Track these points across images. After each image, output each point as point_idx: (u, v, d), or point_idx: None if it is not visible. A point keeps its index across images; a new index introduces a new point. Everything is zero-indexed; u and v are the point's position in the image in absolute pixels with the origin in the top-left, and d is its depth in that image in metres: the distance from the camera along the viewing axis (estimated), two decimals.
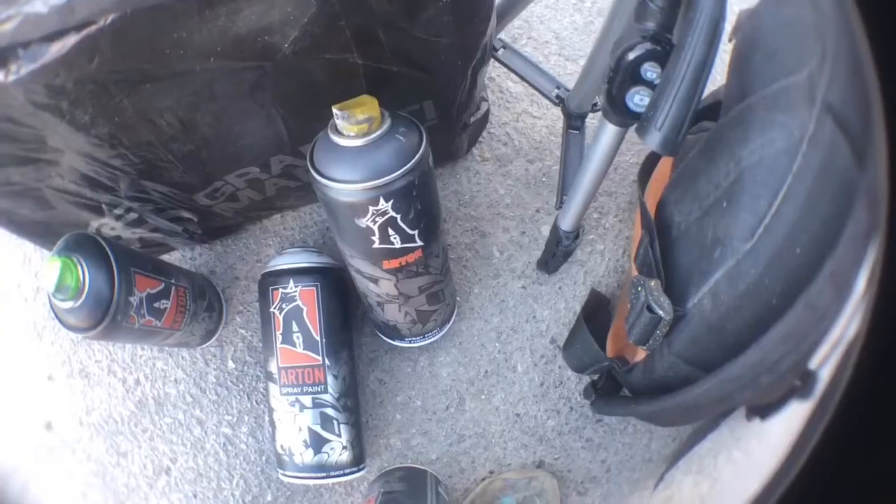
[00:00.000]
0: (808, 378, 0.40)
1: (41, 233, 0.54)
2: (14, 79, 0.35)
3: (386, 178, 0.42)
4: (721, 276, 0.37)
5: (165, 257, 0.65)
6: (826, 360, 0.37)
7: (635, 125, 0.37)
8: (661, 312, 0.38)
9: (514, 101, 0.69)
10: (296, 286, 0.56)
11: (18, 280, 0.70)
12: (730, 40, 0.45)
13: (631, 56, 0.36)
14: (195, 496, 0.67)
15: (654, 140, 0.34)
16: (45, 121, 0.39)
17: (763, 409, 0.49)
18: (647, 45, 0.36)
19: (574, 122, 0.59)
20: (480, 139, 0.67)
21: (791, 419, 0.45)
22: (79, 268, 0.46)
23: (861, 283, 0.29)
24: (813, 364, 0.39)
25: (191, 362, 0.67)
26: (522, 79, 0.61)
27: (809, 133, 0.34)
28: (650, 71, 0.36)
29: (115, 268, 0.47)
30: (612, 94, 0.38)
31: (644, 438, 0.67)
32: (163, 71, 0.37)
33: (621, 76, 0.37)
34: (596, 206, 0.66)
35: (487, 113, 0.63)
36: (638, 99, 0.38)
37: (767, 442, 0.65)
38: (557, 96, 0.60)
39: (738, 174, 0.38)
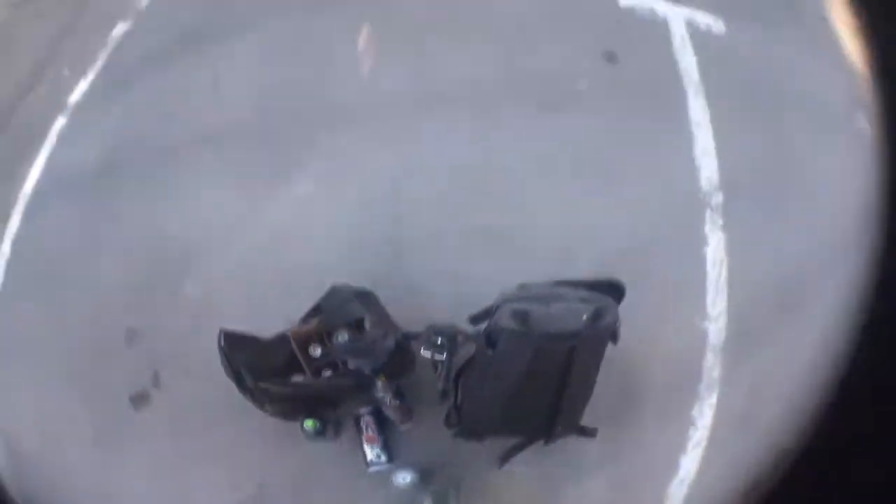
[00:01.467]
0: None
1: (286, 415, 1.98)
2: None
3: (391, 392, 1.89)
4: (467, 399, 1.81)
5: None
6: None
7: None
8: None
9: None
10: (367, 416, 1.99)
11: None
12: None
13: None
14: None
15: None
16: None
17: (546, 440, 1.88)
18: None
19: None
20: None
21: None
22: (316, 421, 1.89)
23: None
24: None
25: (332, 446, 2.07)
26: None
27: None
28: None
29: (326, 421, 1.91)
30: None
31: (488, 448, 1.94)
32: None
33: None
34: None
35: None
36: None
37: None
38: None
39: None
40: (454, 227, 2.16)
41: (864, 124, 1.70)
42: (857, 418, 1.23)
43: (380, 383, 1.84)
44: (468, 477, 1.94)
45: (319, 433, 1.91)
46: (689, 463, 1.87)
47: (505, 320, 1.66)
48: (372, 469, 1.94)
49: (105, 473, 2.05)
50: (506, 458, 1.95)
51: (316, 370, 1.91)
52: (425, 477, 1.92)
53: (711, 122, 2.19)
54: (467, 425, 1.84)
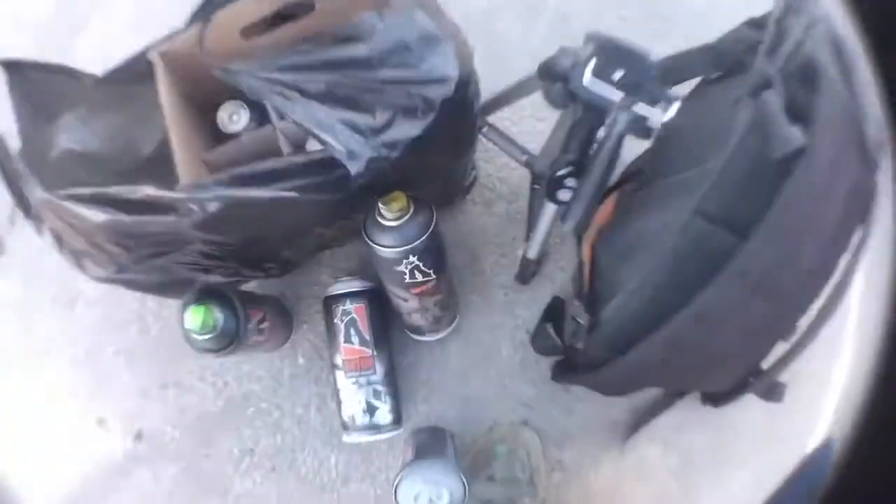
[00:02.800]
0: (760, 375, 0.63)
1: (160, 290, 0.79)
2: (187, 220, 0.59)
3: (413, 244, 0.68)
4: (619, 302, 0.62)
5: (249, 286, 0.91)
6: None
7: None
8: (581, 321, 0.64)
9: (497, 156, 0.93)
10: (351, 304, 0.82)
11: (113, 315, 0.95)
12: None
13: (558, 174, 0.61)
14: (273, 469, 0.91)
15: (568, 227, 0.60)
16: (193, 234, 0.63)
17: (715, 398, 0.73)
18: (569, 169, 0.61)
19: (537, 180, 0.84)
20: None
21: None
22: (213, 312, 0.71)
23: None
24: (765, 365, 0.62)
25: (269, 362, 0.92)
26: (500, 148, 0.85)
27: (683, 223, 0.57)
28: (569, 181, 0.62)
29: (238, 309, 0.72)
30: (548, 191, 0.64)
31: (602, 408, 0.90)
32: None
33: (553, 184, 0.62)
34: (558, 234, 0.92)
35: (476, 176, 0.88)
36: (562, 195, 0.63)
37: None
38: (526, 161, 0.84)
39: (637, 239, 0.63)
40: None
41: None
42: None
43: (391, 212, 0.68)
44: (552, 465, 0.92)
45: (224, 339, 0.74)
46: None
47: (824, 52, 0.49)
48: (351, 436, 0.86)
49: None
50: (639, 423, 0.90)
51: (221, 165, 0.72)
52: (472, 469, 0.87)
53: None
54: (615, 366, 0.62)
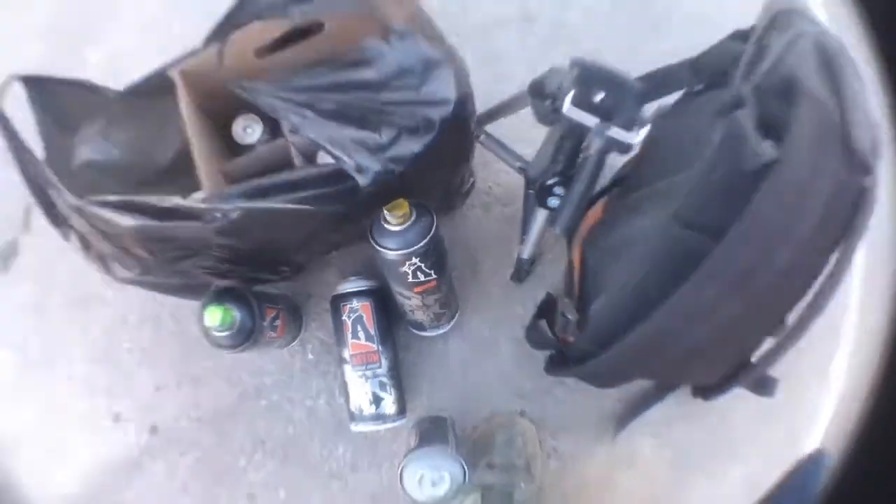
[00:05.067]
0: (748, 369, 0.69)
1: (180, 292, 0.84)
2: (210, 227, 0.65)
3: (415, 247, 0.73)
4: (604, 300, 0.67)
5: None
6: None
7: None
8: (570, 317, 0.69)
9: (494, 162, 0.98)
10: (358, 302, 0.88)
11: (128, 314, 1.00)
12: None
13: (547, 183, 0.67)
14: (285, 458, 0.97)
15: (557, 230, 0.65)
16: (215, 240, 0.69)
17: (705, 391, 0.77)
18: (556, 178, 0.66)
19: (531, 185, 0.89)
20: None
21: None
22: (232, 311, 0.77)
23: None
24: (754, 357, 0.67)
25: (280, 357, 0.98)
26: (496, 155, 0.91)
27: (662, 227, 0.63)
28: (558, 189, 0.67)
29: (254, 307, 0.78)
30: (538, 198, 0.69)
31: (595, 399, 0.96)
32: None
33: (543, 191, 0.68)
34: (551, 236, 0.97)
35: (473, 182, 0.93)
36: (552, 202, 0.68)
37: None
38: (520, 167, 0.90)
39: (622, 242, 0.68)
40: None
41: None
42: None
43: (395, 219, 0.74)
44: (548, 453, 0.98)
45: (240, 336, 0.80)
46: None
47: (809, 69, 0.54)
48: (359, 426, 0.91)
49: None
50: (629, 416, 0.96)
51: (238, 176, 0.78)
52: (472, 455, 0.91)
53: None
54: (603, 358, 0.67)
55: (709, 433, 0.97)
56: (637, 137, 0.62)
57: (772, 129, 0.53)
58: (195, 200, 0.63)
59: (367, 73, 0.56)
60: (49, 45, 1.12)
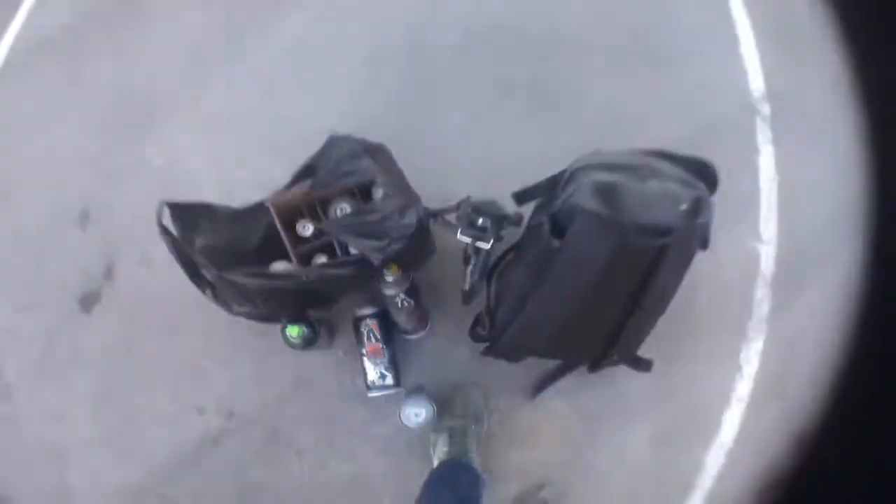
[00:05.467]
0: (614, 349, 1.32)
1: (269, 319, 1.46)
2: (299, 282, 1.28)
3: (402, 289, 1.37)
4: (503, 308, 1.31)
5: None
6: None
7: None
8: (488, 320, 1.33)
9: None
10: (370, 320, 1.50)
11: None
12: None
13: (469, 255, 1.31)
14: (323, 419, 1.60)
15: (467, 287, 1.29)
16: (299, 289, 1.32)
17: (591, 366, 1.41)
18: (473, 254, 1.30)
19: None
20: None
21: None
22: (303, 328, 1.39)
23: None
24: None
25: (323, 355, 1.60)
26: (445, 231, 1.54)
27: (519, 273, 1.28)
28: (473, 258, 1.31)
29: (314, 325, 1.41)
30: (464, 260, 1.33)
31: (522, 374, 1.51)
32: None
33: (466, 259, 1.32)
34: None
35: (434, 248, 1.56)
36: (471, 261, 1.32)
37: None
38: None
39: (508, 277, 1.32)
40: (487, 75, 1.68)
41: None
42: None
43: (390, 276, 1.34)
44: (492, 409, 1.56)
45: (308, 342, 1.43)
46: (731, 420, 1.54)
47: (585, 198, 1.13)
48: (372, 393, 1.50)
49: (48, 390, 1.68)
50: (540, 386, 1.54)
51: (304, 255, 1.39)
52: (441, 408, 1.48)
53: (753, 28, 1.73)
54: (502, 341, 1.36)
55: (610, 399, 1.53)
56: (487, 245, 1.25)
57: (562, 231, 1.17)
58: (290, 268, 1.26)
59: (373, 216, 1.21)
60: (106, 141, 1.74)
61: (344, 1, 1.81)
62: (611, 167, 1.17)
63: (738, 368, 1.56)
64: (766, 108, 1.69)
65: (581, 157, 1.21)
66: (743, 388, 1.55)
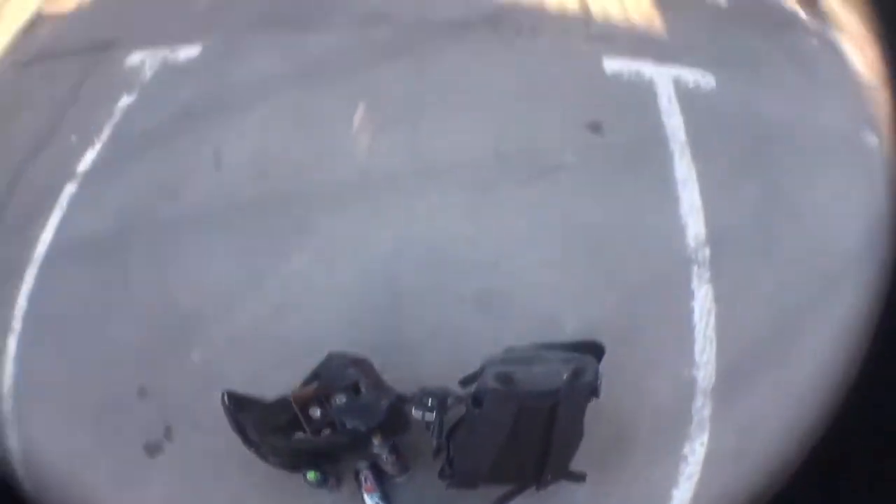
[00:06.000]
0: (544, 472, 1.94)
1: (294, 468, 2.10)
2: (318, 444, 1.97)
3: (386, 447, 2.03)
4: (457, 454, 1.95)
5: None
6: None
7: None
8: (448, 468, 1.98)
9: None
10: (366, 469, 2.13)
11: None
12: None
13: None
14: None
15: (434, 443, 1.96)
16: (317, 449, 2.00)
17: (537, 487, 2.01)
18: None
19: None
20: None
21: None
22: (318, 474, 2.02)
23: None
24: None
25: (331, 497, 2.21)
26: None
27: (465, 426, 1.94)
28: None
29: (326, 471, 2.05)
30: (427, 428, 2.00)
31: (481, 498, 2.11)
32: None
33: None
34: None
35: (409, 422, 2.21)
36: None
37: None
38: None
39: (459, 437, 1.98)
40: (447, 296, 2.34)
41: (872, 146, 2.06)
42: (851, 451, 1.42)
43: (375, 441, 1.98)
44: None
45: (322, 483, 2.07)
46: (682, 495, 1.94)
47: (490, 382, 1.80)
48: None
49: None
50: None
51: (316, 429, 2.05)
52: None
53: (698, 179, 2.30)
54: (460, 477, 1.97)
55: None
56: (431, 417, 1.90)
57: (481, 402, 1.84)
58: (311, 436, 1.94)
59: (360, 402, 1.91)
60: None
61: (337, 241, 2.48)
62: (509, 361, 1.88)
63: (684, 457, 1.95)
64: (705, 252, 2.18)
65: (489, 356, 1.90)
66: (690, 471, 1.94)
